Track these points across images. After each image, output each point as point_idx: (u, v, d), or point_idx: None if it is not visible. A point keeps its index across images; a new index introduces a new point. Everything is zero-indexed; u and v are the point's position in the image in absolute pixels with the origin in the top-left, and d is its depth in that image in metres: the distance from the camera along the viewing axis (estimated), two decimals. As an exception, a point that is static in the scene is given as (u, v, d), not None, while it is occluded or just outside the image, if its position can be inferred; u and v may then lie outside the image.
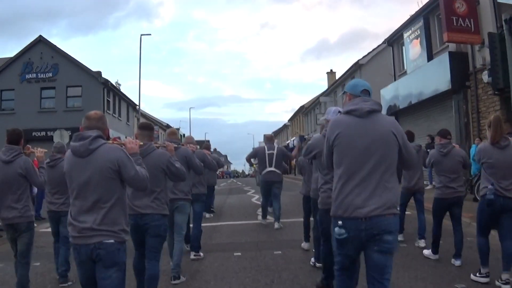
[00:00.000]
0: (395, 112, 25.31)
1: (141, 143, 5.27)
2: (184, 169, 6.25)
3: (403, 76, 25.52)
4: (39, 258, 8.79)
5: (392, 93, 25.94)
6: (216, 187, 17.28)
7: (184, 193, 7.49)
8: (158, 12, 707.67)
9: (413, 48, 23.63)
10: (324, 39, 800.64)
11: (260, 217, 13.58)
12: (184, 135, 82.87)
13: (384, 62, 30.55)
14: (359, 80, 4.56)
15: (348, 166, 4.00)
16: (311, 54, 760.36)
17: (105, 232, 4.02)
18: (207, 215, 14.69)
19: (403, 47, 26.04)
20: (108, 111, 37.01)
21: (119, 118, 41.02)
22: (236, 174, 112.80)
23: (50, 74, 35.90)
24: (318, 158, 6.15)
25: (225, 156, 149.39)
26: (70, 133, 29.95)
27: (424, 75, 21.55)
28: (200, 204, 9.10)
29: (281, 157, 12.74)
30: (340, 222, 3.96)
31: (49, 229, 8.13)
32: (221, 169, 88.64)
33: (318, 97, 48.88)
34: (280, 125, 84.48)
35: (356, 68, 34.08)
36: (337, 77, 45.50)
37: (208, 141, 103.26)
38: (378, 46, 33.37)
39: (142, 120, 44.47)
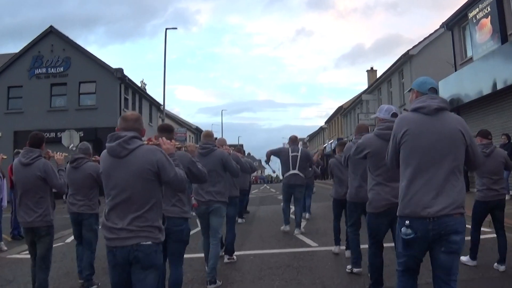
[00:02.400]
0: (457, 107, 21.13)
1: (178, 144, 5.33)
2: (206, 171, 5.83)
3: (467, 64, 21.28)
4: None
5: (453, 85, 21.67)
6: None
7: (221, 195, 7.51)
8: (195, 19, 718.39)
9: (481, 30, 19.49)
10: (359, 44, 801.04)
11: (299, 235, 11.83)
12: (216, 138, 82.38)
13: (439, 51, 26.98)
14: (427, 77, 4.50)
15: (415, 164, 4.02)
16: (346, 59, 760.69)
17: (142, 233, 4.03)
18: (239, 220, 14.46)
19: (467, 30, 21.93)
20: (126, 109, 33.34)
21: (139, 118, 37.05)
22: (269, 179, 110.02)
23: (61, 69, 32.62)
24: (369, 158, 5.93)
25: (259, 161, 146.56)
26: (82, 134, 27.09)
27: (496, 61, 17.58)
28: (234, 207, 9.09)
29: (306, 160, 12.46)
30: (407, 222, 3.95)
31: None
32: (254, 174, 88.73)
33: (358, 97, 45.12)
34: (315, 129, 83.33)
35: (406, 60, 29.81)
36: (378, 75, 42.21)
37: (242, 145, 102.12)
38: (430, 34, 29.44)
39: (166, 121, 41.59)
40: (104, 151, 4.29)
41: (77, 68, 32.30)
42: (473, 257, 7.66)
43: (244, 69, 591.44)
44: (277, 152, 12.82)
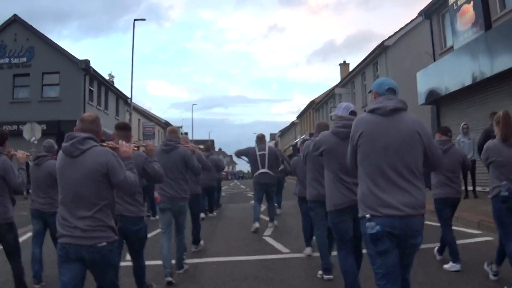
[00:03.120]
0: (436, 99, 20.39)
1: (136, 148, 5.40)
2: (162, 171, 6.02)
3: (448, 53, 20.41)
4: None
5: (432, 76, 20.84)
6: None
7: (183, 192, 7.58)
8: (168, 15, 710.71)
9: (463, 17, 18.57)
10: (331, 40, 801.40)
11: (268, 238, 10.94)
12: (186, 133, 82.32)
13: (416, 41, 26.13)
14: (386, 78, 4.66)
15: (373, 166, 4.01)
16: (318, 55, 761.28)
17: (95, 233, 4.11)
18: (202, 215, 13.56)
19: (447, 18, 21.10)
20: (90, 102, 32.20)
21: (105, 111, 35.90)
22: (241, 175, 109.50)
23: (25, 59, 31.17)
24: (325, 155, 5.84)
25: (230, 157, 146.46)
26: (44, 127, 25.83)
27: (480, 49, 16.67)
28: (196, 204, 9.46)
29: (274, 158, 12.51)
30: (368, 216, 3.93)
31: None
32: (226, 169, 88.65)
33: (331, 91, 44.16)
34: (287, 125, 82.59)
35: (381, 51, 28.93)
36: (350, 69, 41.55)
37: (213, 140, 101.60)
38: (407, 24, 28.52)
39: (134, 115, 40.48)
40: (61, 151, 4.37)
41: (41, 58, 30.95)
42: (454, 260, 7.28)
43: (216, 65, 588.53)
44: (245, 152, 12.90)
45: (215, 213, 16.16)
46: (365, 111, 4.35)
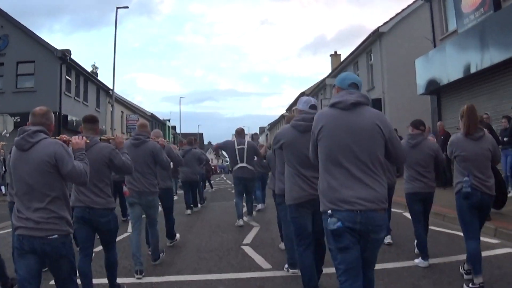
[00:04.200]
0: (437, 89, 18.93)
1: (88, 140, 5.28)
2: (130, 162, 6.07)
3: (450, 38, 18.89)
4: None
5: (433, 63, 19.36)
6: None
7: (152, 186, 7.61)
8: (159, 9, 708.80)
9: (468, -3, 16.91)
10: (322, 35, 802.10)
11: (247, 248, 9.46)
12: (175, 127, 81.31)
13: (414, 27, 24.87)
14: (349, 73, 4.59)
15: (332, 159, 4.03)
16: (308, 49, 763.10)
17: (47, 225, 4.20)
18: (188, 211, 14.84)
19: None
20: (67, 93, 30.41)
21: (84, 102, 34.11)
22: (230, 169, 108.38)
23: (-2, 48, 29.20)
24: (284, 148, 5.91)
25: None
26: (18, 119, 24.14)
27: (488, 32, 15.19)
28: (168, 198, 9.55)
29: (253, 153, 12.31)
30: (329, 212, 3.94)
31: None
32: (215, 163, 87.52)
33: (321, 82, 42.89)
34: (274, 120, 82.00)
35: (375, 38, 27.30)
36: (342, 59, 39.73)
37: (201, 134, 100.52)
38: (403, 10, 26.96)
39: (116, 106, 38.85)
40: (13, 146, 4.46)
41: (15, 47, 29.02)
42: (424, 256, 7.28)
43: (206, 58, 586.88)
44: (223, 146, 12.94)
45: (199, 206, 16.33)
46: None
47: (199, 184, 16.55)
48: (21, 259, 4.26)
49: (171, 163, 8.65)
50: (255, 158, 12.73)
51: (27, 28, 29.79)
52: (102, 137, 6.10)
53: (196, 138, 18.04)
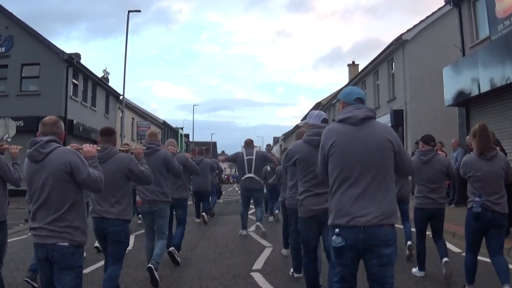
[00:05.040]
0: (467, 99, 17.32)
1: (99, 148, 5.27)
2: (150, 172, 6.12)
3: (481, 45, 17.32)
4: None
5: (462, 72, 17.68)
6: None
7: (164, 195, 7.63)
8: (177, 18, 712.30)
9: (503, 1, 15.42)
10: (338, 47, 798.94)
11: (256, 274, 8.35)
12: (188, 135, 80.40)
13: (439, 34, 23.57)
14: (354, 87, 4.65)
15: (344, 175, 4.03)
16: (324, 61, 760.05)
17: (59, 234, 4.20)
18: (197, 220, 15.08)
19: (479, 4, 17.97)
20: (74, 97, 29.27)
21: (92, 107, 32.98)
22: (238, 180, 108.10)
23: (3, 49, 28.20)
24: (297, 164, 5.96)
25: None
26: (22, 124, 23.36)
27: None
28: (182, 209, 9.26)
29: (262, 162, 12.50)
30: (337, 230, 3.96)
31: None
32: (228, 172, 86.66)
33: (339, 91, 40.81)
34: (288, 130, 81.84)
35: (398, 46, 25.73)
36: (360, 69, 38.28)
37: (215, 143, 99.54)
38: (428, 17, 25.41)
39: (126, 113, 37.69)
40: (26, 158, 4.42)
41: (20, 48, 28.06)
42: (420, 267, 7.65)
43: (222, 67, 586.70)
44: (232, 158, 13.00)
45: (206, 218, 15.29)
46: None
47: (210, 194, 16.28)
48: (40, 268, 4.40)
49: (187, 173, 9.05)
50: (268, 168, 13.18)
51: (32, 29, 28.81)
52: (121, 148, 6.15)
53: (208, 148, 17.44)
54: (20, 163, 6.27)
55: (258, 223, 12.21)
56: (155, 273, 7.05)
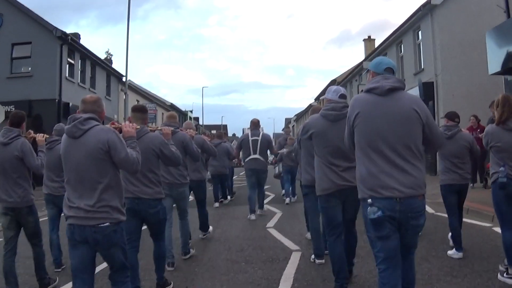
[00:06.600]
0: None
1: (138, 127, 5.32)
2: (179, 154, 6.18)
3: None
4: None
5: (509, 35, 15.19)
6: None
7: (183, 177, 7.62)
8: (185, 3, 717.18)
9: None
10: (347, 29, 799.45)
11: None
12: (198, 118, 78.54)
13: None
14: (383, 57, 4.53)
15: (371, 146, 3.99)
16: (334, 43, 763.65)
17: (98, 214, 4.17)
18: (216, 204, 14.84)
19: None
20: (70, 78, 27.06)
21: (91, 89, 30.45)
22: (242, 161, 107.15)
23: (-8, 28, 25.82)
24: (314, 138, 5.89)
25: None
26: (13, 108, 20.68)
27: None
28: (201, 191, 9.41)
29: (266, 145, 12.54)
30: (370, 200, 3.90)
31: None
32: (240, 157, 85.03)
33: (356, 67, 38.88)
34: (301, 110, 79.64)
35: (426, 12, 23.01)
36: (376, 45, 37.05)
37: (225, 125, 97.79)
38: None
39: (130, 95, 35.50)
40: (65, 134, 4.43)
41: (11, 27, 25.72)
42: (458, 248, 7.32)
43: (231, 51, 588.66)
44: (239, 145, 12.90)
45: (229, 199, 16.61)
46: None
47: (228, 177, 16.55)
48: (73, 249, 4.26)
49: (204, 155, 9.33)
50: (284, 151, 13.59)
51: (23, 5, 26.31)
52: (150, 127, 6.10)
53: (226, 132, 16.99)
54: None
55: (259, 211, 12.50)
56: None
